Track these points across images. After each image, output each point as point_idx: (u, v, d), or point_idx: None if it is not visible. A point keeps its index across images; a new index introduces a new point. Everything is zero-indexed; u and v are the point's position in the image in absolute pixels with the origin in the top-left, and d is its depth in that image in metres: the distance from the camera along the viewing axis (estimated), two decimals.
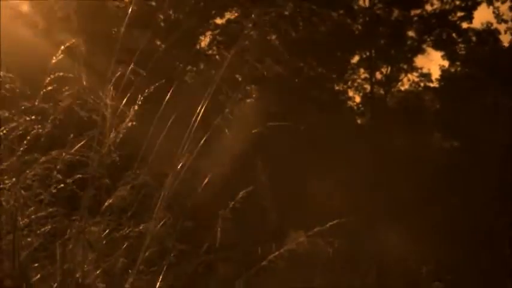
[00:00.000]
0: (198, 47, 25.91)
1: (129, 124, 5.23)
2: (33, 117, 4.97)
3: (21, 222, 4.87)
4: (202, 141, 5.51)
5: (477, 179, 22.89)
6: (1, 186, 4.74)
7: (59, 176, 5.01)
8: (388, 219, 20.35)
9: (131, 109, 5.28)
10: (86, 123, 5.23)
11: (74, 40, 5.25)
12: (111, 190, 5.33)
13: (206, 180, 5.68)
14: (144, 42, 6.71)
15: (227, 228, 5.45)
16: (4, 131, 4.86)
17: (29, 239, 4.92)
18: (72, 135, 5.19)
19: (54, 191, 5.00)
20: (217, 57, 26.00)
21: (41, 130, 5.00)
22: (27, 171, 4.87)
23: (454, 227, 20.94)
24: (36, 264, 4.96)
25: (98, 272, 5.10)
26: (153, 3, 24.78)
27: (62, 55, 5.18)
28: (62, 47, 5.21)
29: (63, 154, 5.02)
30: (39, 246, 4.98)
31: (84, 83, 5.24)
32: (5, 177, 4.76)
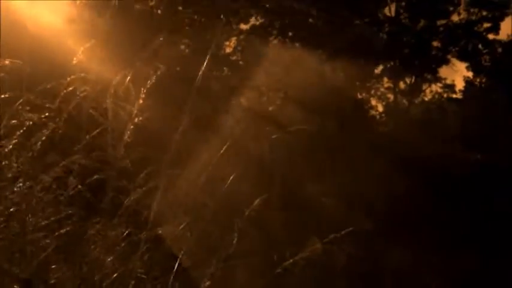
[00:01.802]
0: (222, 52, 25.94)
1: (136, 120, 5.24)
2: (51, 114, 5.00)
3: (42, 223, 4.89)
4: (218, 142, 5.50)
5: (499, 192, 22.66)
6: (19, 186, 4.76)
7: (76, 179, 5.03)
8: (406, 229, 20.20)
9: (135, 104, 5.28)
10: (101, 123, 5.25)
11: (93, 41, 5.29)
12: (128, 192, 5.34)
13: (225, 184, 5.67)
14: (170, 45, 6.75)
15: (244, 234, 5.44)
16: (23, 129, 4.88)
17: (47, 241, 4.93)
18: (87, 136, 5.22)
19: (71, 192, 5.02)
20: (240, 62, 26.04)
21: (60, 131, 5.02)
22: (45, 174, 4.90)
23: (473, 239, 20.74)
24: (54, 266, 4.97)
25: (115, 275, 5.11)
26: (180, 8, 24.88)
27: (82, 55, 5.20)
28: (82, 48, 5.24)
29: (81, 157, 5.04)
30: (57, 247, 5.00)
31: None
32: (21, 180, 4.77)
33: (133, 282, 5.13)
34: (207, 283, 5.49)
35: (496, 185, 23.11)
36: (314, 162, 21.46)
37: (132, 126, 5.21)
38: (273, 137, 5.82)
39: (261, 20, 26.64)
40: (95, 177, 5.16)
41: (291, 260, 5.17)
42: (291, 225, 16.63)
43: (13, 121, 4.84)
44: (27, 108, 4.93)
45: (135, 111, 5.25)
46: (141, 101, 5.29)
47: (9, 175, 4.74)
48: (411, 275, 17.73)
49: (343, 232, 5.27)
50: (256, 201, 5.51)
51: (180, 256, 5.36)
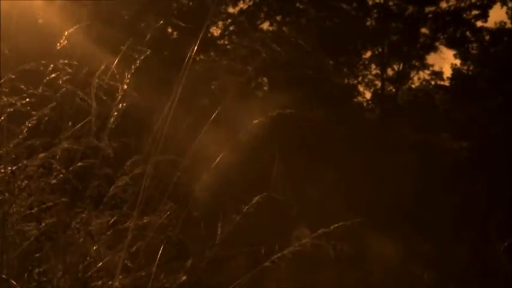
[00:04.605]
0: (209, 35, 25.73)
1: (120, 106, 5.10)
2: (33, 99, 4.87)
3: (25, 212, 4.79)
4: (207, 130, 5.39)
5: (484, 181, 22.74)
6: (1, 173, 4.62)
7: (60, 166, 4.91)
8: (393, 218, 20.22)
9: (120, 87, 5.14)
10: (85, 108, 5.12)
11: (77, 26, 5.15)
12: (114, 180, 5.24)
13: (211, 170, 5.55)
14: (157, 28, 6.62)
15: (232, 224, 5.35)
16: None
17: (33, 231, 4.84)
18: (71, 123, 5.10)
19: (54, 181, 4.90)
20: (228, 47, 25.85)
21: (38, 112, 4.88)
22: (27, 161, 4.78)
23: (459, 228, 20.81)
24: (37, 255, 4.88)
25: (100, 265, 5.03)
26: None
27: (66, 41, 5.06)
28: (66, 33, 5.10)
29: (64, 144, 4.92)
30: (41, 236, 4.90)
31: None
32: (3, 167, 4.63)
33: (118, 271, 5.04)
34: (184, 278, 5.42)
35: (482, 172, 23.19)
36: (300, 149, 21.40)
37: (116, 113, 5.09)
38: (254, 121, 5.63)
39: (249, 3, 26.47)
40: (79, 164, 5.04)
41: (279, 254, 5.07)
42: (279, 216, 16.55)
43: None
44: (7, 90, 4.79)
45: (119, 97, 5.12)
46: (125, 86, 5.15)
47: None
48: (402, 266, 17.76)
49: (332, 227, 5.17)
50: (256, 199, 5.37)
51: (166, 245, 5.28)
